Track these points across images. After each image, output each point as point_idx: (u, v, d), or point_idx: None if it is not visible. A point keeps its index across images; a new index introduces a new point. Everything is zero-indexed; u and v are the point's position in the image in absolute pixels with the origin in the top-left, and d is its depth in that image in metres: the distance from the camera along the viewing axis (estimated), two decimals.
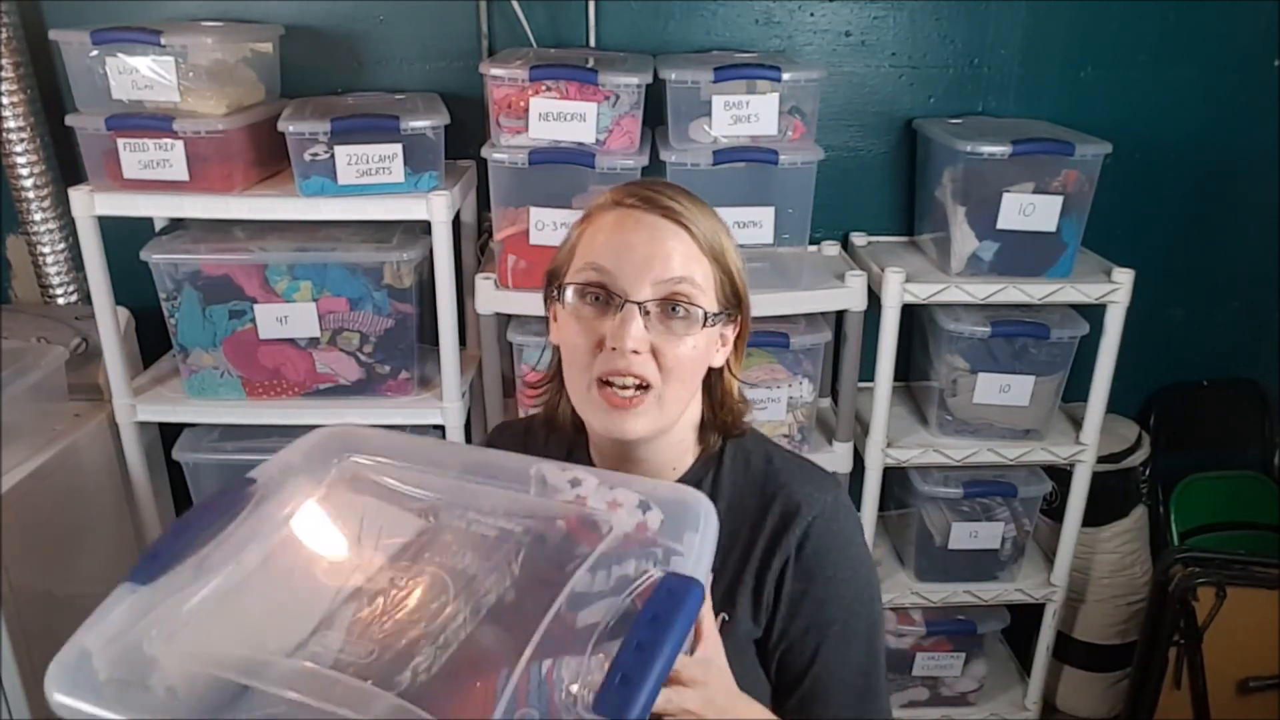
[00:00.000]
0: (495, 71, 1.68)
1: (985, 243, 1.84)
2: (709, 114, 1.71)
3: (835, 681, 0.99)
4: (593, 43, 2.01)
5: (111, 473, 1.88)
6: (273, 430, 1.85)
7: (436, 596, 0.73)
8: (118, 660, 0.70)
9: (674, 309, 0.94)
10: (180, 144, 1.65)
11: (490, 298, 1.79)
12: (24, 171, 1.91)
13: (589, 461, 1.07)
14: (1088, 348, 1.91)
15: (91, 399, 1.89)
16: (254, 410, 1.82)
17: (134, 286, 1.81)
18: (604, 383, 0.94)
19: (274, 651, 0.70)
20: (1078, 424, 1.99)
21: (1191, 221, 2.21)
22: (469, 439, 1.95)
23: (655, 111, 1.79)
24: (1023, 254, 1.84)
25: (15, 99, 1.87)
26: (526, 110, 1.69)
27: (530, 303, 1.77)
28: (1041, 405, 1.94)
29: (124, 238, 1.78)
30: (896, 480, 2.12)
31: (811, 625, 0.98)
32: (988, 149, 1.76)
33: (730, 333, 1.02)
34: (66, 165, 1.98)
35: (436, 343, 1.79)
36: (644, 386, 0.94)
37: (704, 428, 1.05)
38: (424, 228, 1.73)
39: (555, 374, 1.07)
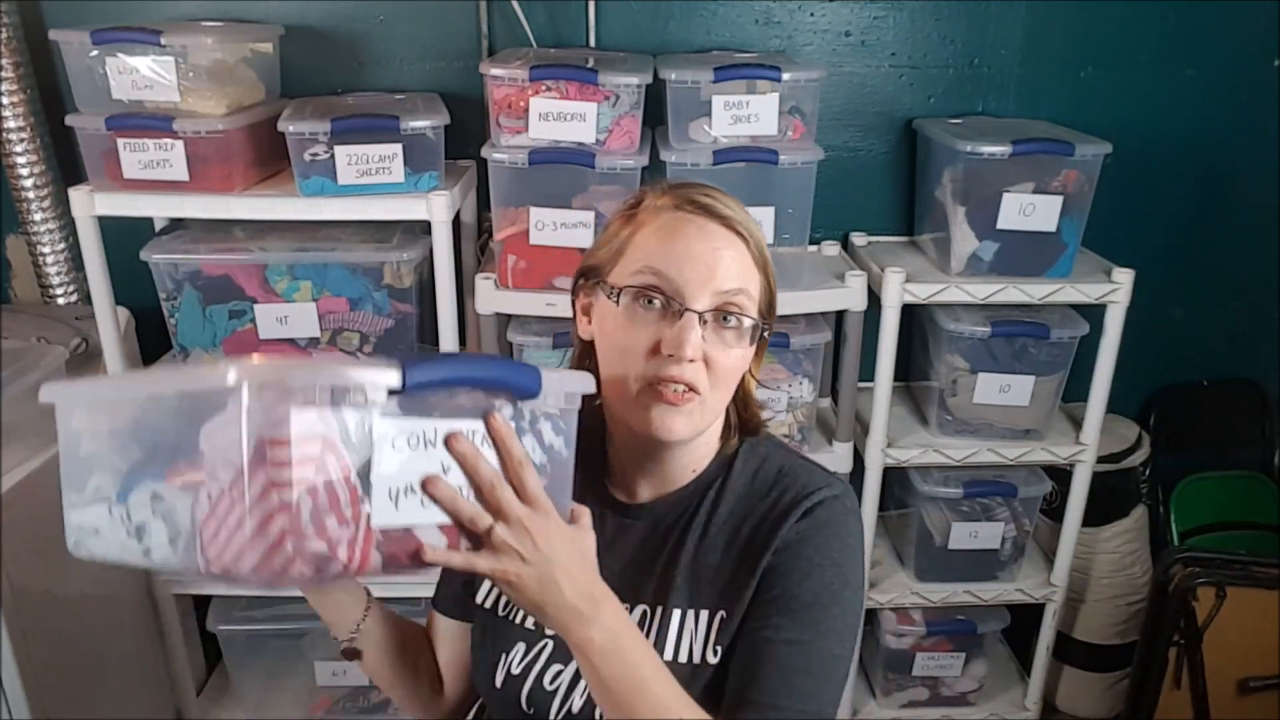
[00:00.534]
0: (495, 71, 1.68)
1: (985, 243, 1.84)
2: (709, 114, 1.71)
3: (774, 658, 0.93)
4: (593, 43, 2.01)
5: None
6: None
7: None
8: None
9: (727, 319, 0.95)
10: (180, 144, 1.65)
11: (490, 298, 1.79)
12: (24, 171, 1.91)
13: (602, 461, 1.07)
14: (1088, 348, 1.91)
15: None
16: None
17: (134, 286, 1.81)
18: (652, 384, 0.94)
19: None
20: (1078, 424, 1.99)
21: (1191, 221, 2.21)
22: None
23: (655, 111, 1.79)
24: (1023, 254, 1.84)
25: (15, 99, 1.87)
26: (526, 110, 1.69)
27: (530, 303, 1.77)
28: (1041, 405, 1.94)
29: (124, 238, 1.78)
30: (896, 480, 2.12)
31: (775, 599, 0.95)
32: (988, 149, 1.76)
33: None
34: (66, 165, 1.98)
35: (436, 343, 1.79)
36: (692, 390, 0.94)
37: (727, 428, 1.06)
38: (424, 228, 1.73)
39: (576, 368, 1.06)
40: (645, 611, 1.00)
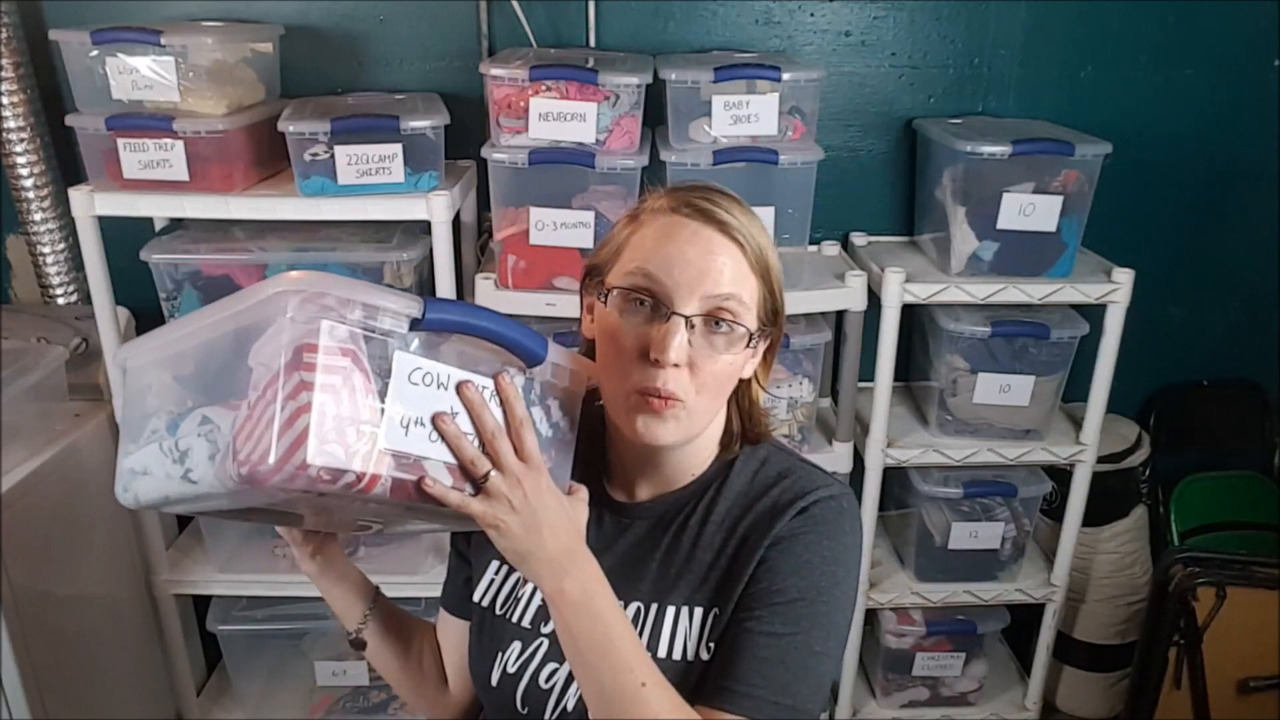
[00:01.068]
0: (495, 71, 1.68)
1: (985, 243, 1.84)
2: (709, 114, 1.71)
3: (752, 649, 0.92)
4: (593, 43, 2.01)
5: (111, 472, 1.87)
6: None
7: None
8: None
9: (718, 324, 0.94)
10: (180, 144, 1.65)
11: (490, 298, 1.79)
12: (24, 171, 1.91)
13: (601, 463, 1.07)
14: (1088, 348, 1.91)
15: (91, 399, 1.89)
16: None
17: (134, 286, 1.80)
18: (638, 391, 0.94)
19: None
20: (1078, 424, 1.99)
21: (1191, 221, 2.21)
22: None
23: (655, 111, 1.79)
24: (1023, 254, 1.84)
25: (15, 99, 1.87)
26: (526, 110, 1.69)
27: (531, 303, 1.77)
28: (1041, 405, 1.94)
29: (124, 238, 1.78)
30: (896, 480, 2.12)
31: (760, 591, 0.94)
32: (988, 149, 1.76)
33: (762, 345, 1.02)
34: (66, 165, 1.98)
35: None
36: (674, 397, 0.94)
37: (729, 434, 1.05)
38: (424, 228, 1.73)
39: None
40: (639, 608, 1.00)
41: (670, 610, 0.99)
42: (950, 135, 1.84)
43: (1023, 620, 2.17)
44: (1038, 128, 1.94)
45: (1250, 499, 2.32)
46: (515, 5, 1.94)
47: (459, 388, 0.82)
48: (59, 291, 2.01)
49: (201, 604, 2.07)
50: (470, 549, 1.13)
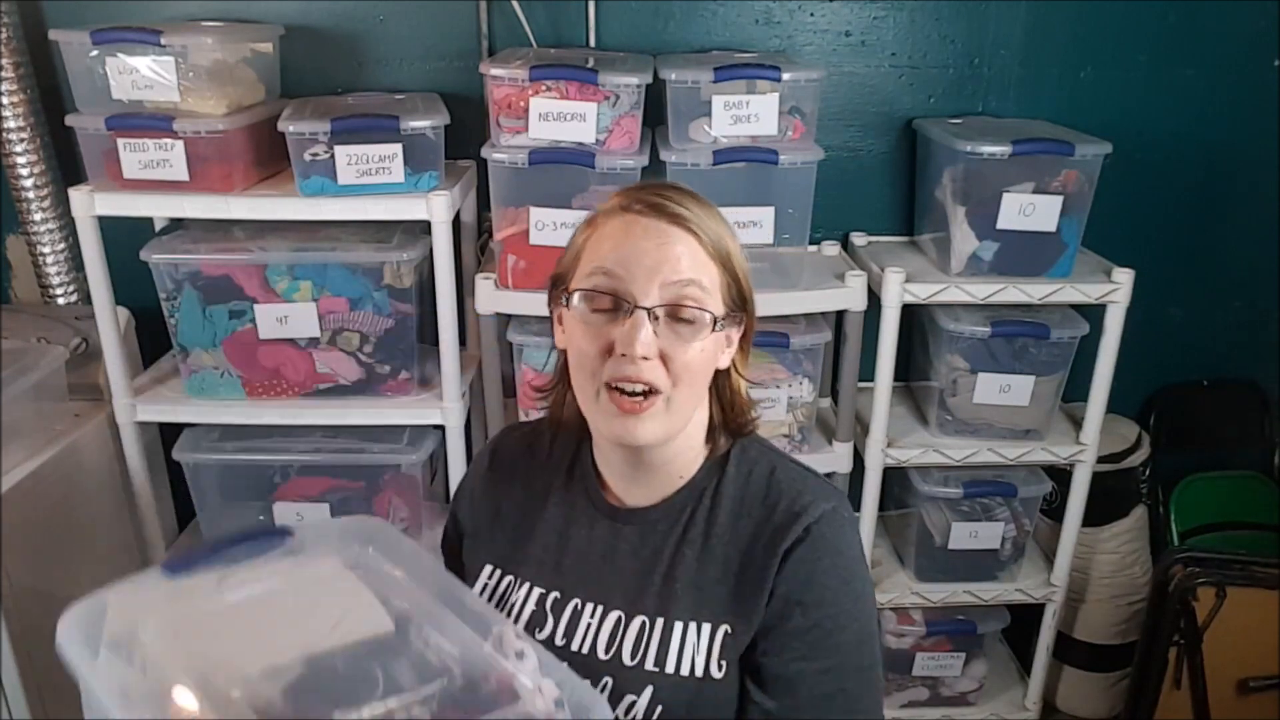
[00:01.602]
0: (495, 71, 1.68)
1: (985, 243, 1.84)
2: (709, 114, 1.71)
3: (810, 688, 0.96)
4: (593, 43, 2.01)
5: (111, 473, 1.88)
6: (273, 430, 1.85)
7: (364, 689, 0.81)
8: (120, 626, 0.82)
9: (682, 314, 0.94)
10: (180, 144, 1.65)
11: (490, 298, 1.79)
12: (24, 171, 1.91)
13: (591, 466, 1.07)
14: (1088, 348, 1.91)
15: (91, 399, 1.89)
16: (254, 410, 1.82)
17: (134, 286, 1.80)
18: (612, 388, 0.94)
19: (223, 681, 0.80)
20: (1078, 424, 1.99)
21: (1191, 221, 2.21)
22: (469, 439, 1.95)
23: (655, 111, 1.79)
24: (1023, 254, 1.84)
25: (15, 99, 1.87)
26: (526, 110, 1.69)
27: (530, 303, 1.77)
28: (1041, 405, 1.94)
29: (124, 238, 1.78)
30: (896, 480, 2.12)
31: (793, 628, 0.96)
32: (988, 149, 1.76)
33: (736, 334, 1.02)
34: (66, 165, 1.98)
35: (436, 343, 1.79)
36: (653, 391, 0.94)
37: (713, 430, 1.05)
38: (424, 228, 1.73)
39: (560, 378, 1.07)
40: (644, 623, 1.00)
41: (678, 625, 0.99)
42: (950, 135, 1.84)
43: (1023, 620, 2.17)
44: (1038, 128, 1.94)
45: (1250, 499, 2.32)
46: (515, 5, 1.94)
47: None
48: (59, 291, 2.02)
49: None
50: (463, 553, 1.13)
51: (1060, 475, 2.03)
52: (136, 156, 1.66)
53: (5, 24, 1.84)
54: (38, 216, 1.95)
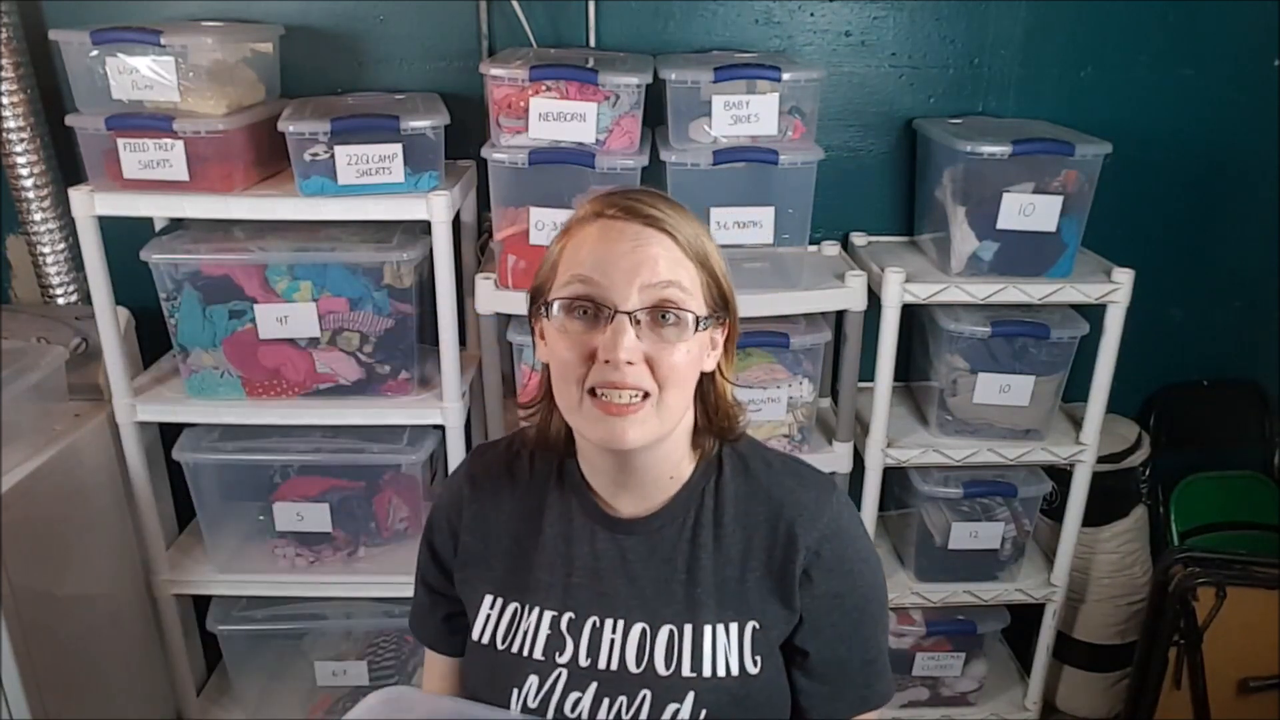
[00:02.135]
0: (495, 71, 1.68)
1: (985, 243, 1.84)
2: (709, 114, 1.71)
3: (856, 659, 1.03)
4: (593, 43, 2.01)
5: (111, 473, 1.88)
6: (273, 430, 1.85)
7: None
8: None
9: (664, 316, 0.93)
10: (180, 144, 1.65)
11: (490, 298, 1.79)
12: (24, 171, 1.91)
13: (580, 479, 1.05)
14: (1088, 348, 1.91)
15: (91, 399, 1.89)
16: (254, 410, 1.82)
17: (134, 286, 1.80)
18: (595, 392, 0.93)
19: None
20: (1078, 424, 1.99)
21: (1191, 221, 2.21)
22: (469, 439, 1.95)
23: (655, 111, 1.79)
24: (1023, 254, 1.84)
25: (15, 99, 1.87)
26: (526, 110, 1.69)
27: None
28: (1041, 405, 1.94)
29: (124, 238, 1.78)
30: (896, 480, 2.12)
31: (839, 618, 1.02)
32: (988, 149, 1.76)
33: (720, 336, 1.02)
34: (66, 165, 1.98)
35: (436, 343, 1.79)
36: (642, 394, 0.93)
37: (698, 433, 1.04)
38: (424, 228, 1.73)
39: (546, 393, 1.04)
40: (672, 631, 1.00)
41: (706, 630, 0.99)
42: (950, 135, 1.84)
43: (1023, 620, 2.17)
44: (1038, 128, 1.94)
45: (1250, 499, 2.32)
46: (515, 5, 1.94)
47: None
48: (59, 291, 2.02)
49: (201, 604, 2.07)
50: (456, 586, 1.11)
51: (1060, 475, 2.03)
52: (136, 156, 1.66)
53: (5, 24, 1.84)
54: (38, 216, 1.95)
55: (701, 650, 0.98)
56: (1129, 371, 1.98)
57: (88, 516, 1.83)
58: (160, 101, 1.66)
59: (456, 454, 1.85)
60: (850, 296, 1.85)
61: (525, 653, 1.02)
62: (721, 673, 0.98)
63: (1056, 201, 1.80)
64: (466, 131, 1.93)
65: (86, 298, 1.86)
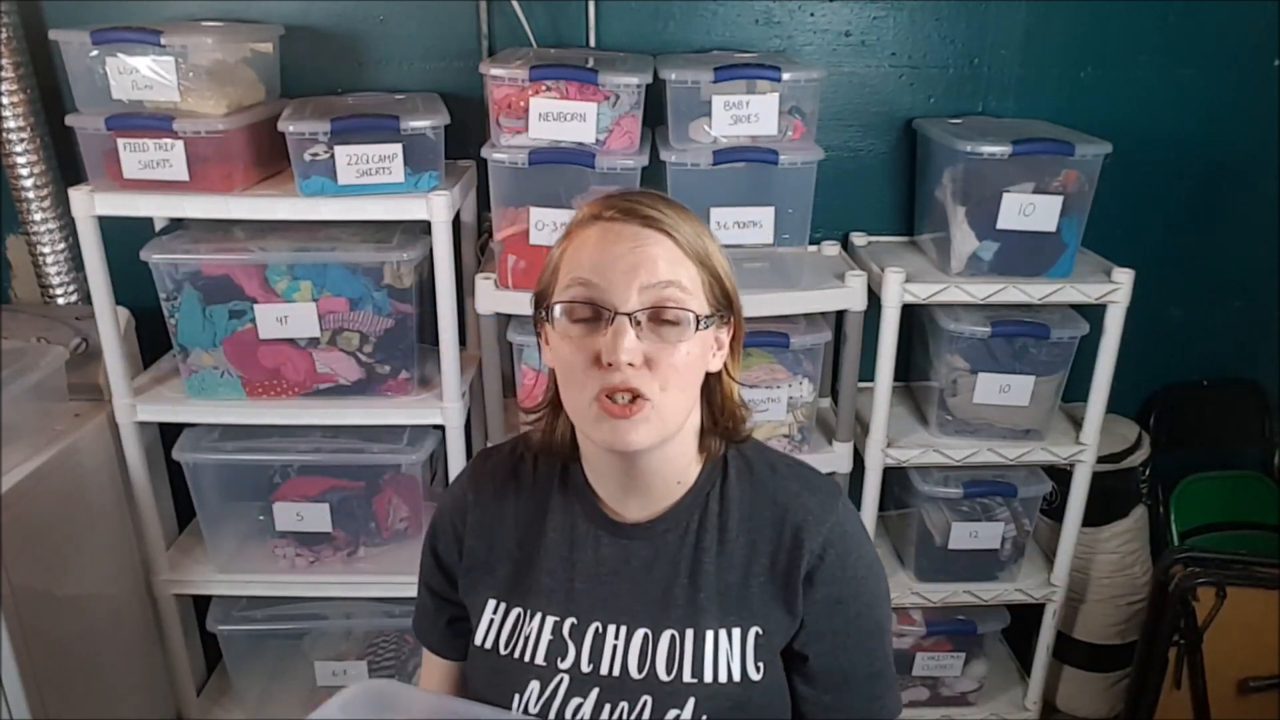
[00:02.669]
0: (495, 71, 1.68)
1: (985, 243, 1.84)
2: (709, 114, 1.71)
3: (860, 670, 1.02)
4: (593, 43, 2.01)
5: (111, 473, 1.88)
6: (273, 430, 1.85)
7: None
8: None
9: (664, 316, 0.93)
10: (180, 144, 1.65)
11: (490, 298, 1.79)
12: (24, 171, 1.91)
13: (585, 484, 1.05)
14: (1088, 348, 1.91)
15: (91, 399, 1.89)
16: (254, 410, 1.82)
17: (134, 286, 1.80)
18: (599, 397, 0.93)
19: None
20: (1078, 424, 1.99)
21: (1191, 221, 2.21)
22: (469, 439, 1.95)
23: (655, 111, 1.79)
24: (1023, 254, 1.84)
25: (15, 99, 1.87)
26: (526, 110, 1.69)
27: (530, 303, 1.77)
28: (1041, 405, 1.94)
29: (124, 238, 1.78)
30: (896, 480, 2.12)
31: (841, 624, 1.01)
32: (988, 149, 1.76)
33: (725, 335, 1.01)
34: (66, 165, 1.98)
35: (436, 343, 1.79)
36: (640, 397, 0.92)
37: (704, 434, 1.04)
38: (424, 228, 1.73)
39: (553, 398, 1.04)
40: (674, 636, 0.99)
41: (709, 634, 0.99)
42: (950, 135, 1.84)
43: (1023, 620, 2.17)
44: (1038, 128, 1.94)
45: (1250, 499, 2.32)
46: (515, 5, 1.94)
47: None
48: (59, 291, 2.02)
49: (201, 604, 2.07)
50: (459, 591, 1.10)
51: (1060, 475, 2.03)
52: (136, 156, 1.66)
53: (5, 24, 1.84)
54: (38, 216, 1.95)
55: (703, 656, 0.98)
56: (1129, 371, 1.98)
57: (88, 516, 1.83)
58: (160, 101, 1.66)
59: (456, 454, 1.85)
60: (850, 296, 1.85)
61: (527, 658, 1.02)
62: (723, 678, 0.98)
63: (1056, 201, 1.80)
64: (466, 131, 1.93)
65: (86, 298, 1.86)
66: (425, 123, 1.67)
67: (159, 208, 1.74)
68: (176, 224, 1.89)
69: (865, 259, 2.02)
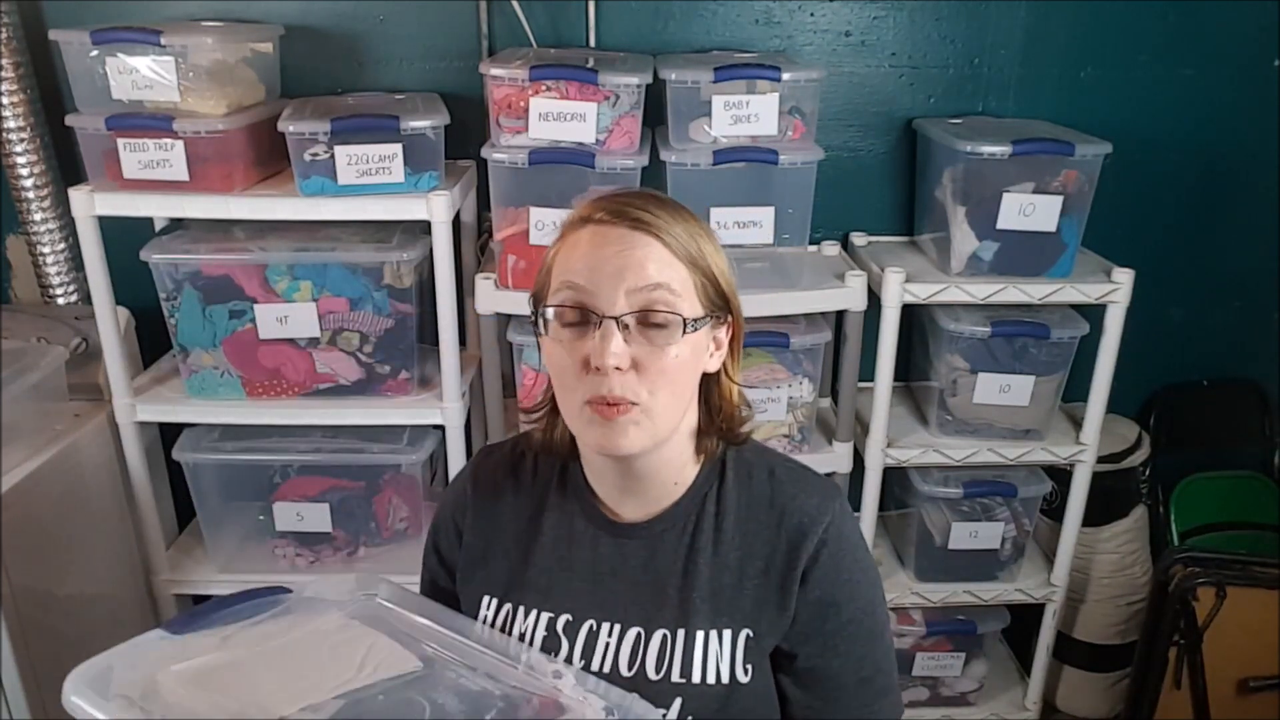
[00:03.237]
0: (495, 71, 1.68)
1: (985, 243, 1.84)
2: (709, 114, 1.71)
3: (849, 676, 1.01)
4: (593, 43, 2.01)
5: (111, 473, 1.88)
6: (273, 430, 1.85)
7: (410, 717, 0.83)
8: (131, 682, 0.85)
9: (652, 319, 0.92)
10: (180, 144, 1.65)
11: (490, 298, 1.79)
12: (24, 171, 1.91)
13: (584, 483, 1.06)
14: (1088, 348, 1.91)
15: (91, 399, 1.89)
16: (254, 410, 1.82)
17: (134, 286, 1.80)
18: (590, 403, 0.93)
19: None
20: (1078, 424, 1.99)
21: (1191, 221, 2.21)
22: (469, 439, 1.95)
23: (655, 111, 1.79)
24: (1023, 254, 1.84)
25: (15, 99, 1.87)
26: (526, 110, 1.69)
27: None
28: (1041, 405, 1.94)
29: (124, 238, 1.78)
30: (896, 480, 2.12)
31: (831, 627, 1.00)
32: (988, 149, 1.76)
33: (724, 335, 1.01)
34: (66, 165, 1.98)
35: (436, 343, 1.79)
36: (629, 401, 0.92)
37: (701, 435, 1.03)
38: (424, 228, 1.73)
39: (553, 398, 1.04)
40: (665, 635, 0.99)
41: (699, 635, 0.99)
42: (950, 135, 1.84)
43: (1023, 620, 2.17)
44: (1038, 128, 1.94)
45: (1250, 499, 2.32)
46: (515, 5, 1.94)
47: None
48: (59, 291, 2.02)
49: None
50: (458, 586, 1.11)
51: (1060, 475, 2.03)
52: (136, 156, 1.66)
53: (5, 24, 1.84)
54: (38, 216, 1.95)
55: (693, 656, 0.98)
56: (1129, 371, 1.98)
57: (88, 516, 1.83)
58: (160, 101, 1.66)
59: (456, 454, 1.85)
60: (850, 296, 1.85)
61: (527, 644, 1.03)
62: (711, 679, 0.98)
63: (1056, 201, 1.80)
64: (466, 131, 1.93)
65: (86, 298, 1.86)
66: (425, 123, 1.67)
67: (159, 208, 1.74)
68: (176, 224, 1.89)
69: (865, 259, 2.02)
